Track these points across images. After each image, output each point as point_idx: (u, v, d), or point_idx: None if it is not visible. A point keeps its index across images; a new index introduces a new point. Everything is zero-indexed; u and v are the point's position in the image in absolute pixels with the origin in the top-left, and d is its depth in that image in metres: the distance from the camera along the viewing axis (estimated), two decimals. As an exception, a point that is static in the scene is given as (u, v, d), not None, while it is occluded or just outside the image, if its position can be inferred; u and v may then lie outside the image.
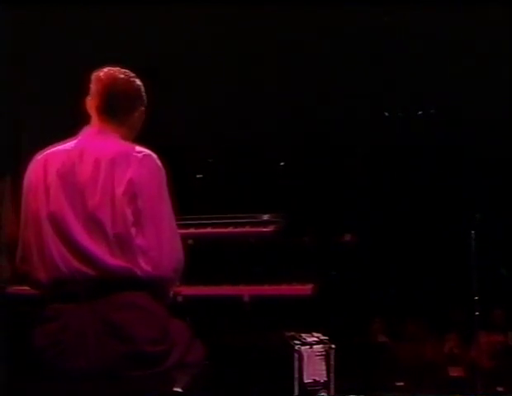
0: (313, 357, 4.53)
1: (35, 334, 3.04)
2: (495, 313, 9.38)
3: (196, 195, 8.85)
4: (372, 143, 9.71)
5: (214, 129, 9.31)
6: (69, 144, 3.17)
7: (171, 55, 8.28)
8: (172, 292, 3.25)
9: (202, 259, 4.26)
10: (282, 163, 10.20)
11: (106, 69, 3.24)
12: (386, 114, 8.82)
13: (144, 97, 3.30)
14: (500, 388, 8.58)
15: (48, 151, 3.19)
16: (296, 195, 9.29)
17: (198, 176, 10.05)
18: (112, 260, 2.98)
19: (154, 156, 3.13)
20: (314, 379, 4.51)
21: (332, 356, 4.60)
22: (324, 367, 4.57)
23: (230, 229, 4.45)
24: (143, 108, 3.29)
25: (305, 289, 4.21)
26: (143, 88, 3.29)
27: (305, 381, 4.48)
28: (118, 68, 3.25)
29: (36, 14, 7.10)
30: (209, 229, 4.47)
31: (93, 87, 3.23)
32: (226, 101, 8.91)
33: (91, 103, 3.23)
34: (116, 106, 3.20)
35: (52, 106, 7.41)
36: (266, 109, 9.00)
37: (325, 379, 4.56)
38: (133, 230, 2.99)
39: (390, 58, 8.46)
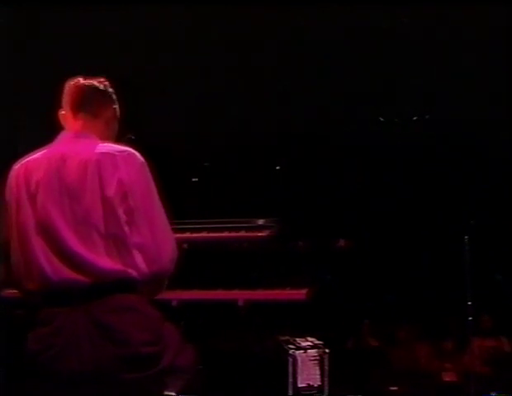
0: (307, 362, 4.54)
1: (28, 338, 3.03)
2: (486, 319, 9.39)
3: (191, 200, 8.85)
4: (367, 148, 9.72)
5: (210, 132, 9.31)
6: (47, 151, 3.17)
7: (168, 57, 8.28)
8: (166, 284, 3.24)
9: (197, 263, 4.27)
10: (277, 167, 10.20)
11: (75, 79, 3.28)
12: (381, 119, 8.82)
13: (114, 96, 3.32)
14: (493, 393, 8.58)
15: (25, 160, 3.17)
16: (290, 199, 9.29)
17: (194, 179, 10.05)
18: (107, 263, 2.97)
19: (137, 153, 3.15)
20: (308, 384, 4.52)
21: (326, 361, 4.61)
22: (318, 371, 4.57)
23: (225, 234, 4.46)
24: (115, 106, 3.31)
25: (300, 293, 4.22)
26: (110, 88, 3.32)
27: (299, 385, 4.49)
28: (86, 76, 3.30)
29: (36, 14, 7.10)
30: (204, 234, 4.48)
31: (64, 98, 3.28)
32: (222, 105, 8.92)
33: (64, 114, 3.28)
34: (86, 106, 3.23)
35: (49, 106, 7.39)
36: (262, 113, 9.00)
37: (319, 383, 4.57)
38: (127, 229, 3.01)
39: (388, 62, 8.48)
